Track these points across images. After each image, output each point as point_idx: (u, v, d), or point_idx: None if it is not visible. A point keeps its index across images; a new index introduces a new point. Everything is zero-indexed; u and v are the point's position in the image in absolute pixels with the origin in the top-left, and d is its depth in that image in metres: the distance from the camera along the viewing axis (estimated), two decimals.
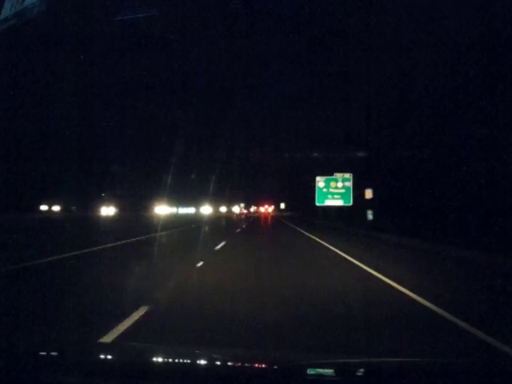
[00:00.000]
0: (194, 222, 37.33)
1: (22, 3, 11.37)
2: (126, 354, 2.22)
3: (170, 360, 2.12)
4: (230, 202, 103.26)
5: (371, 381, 1.81)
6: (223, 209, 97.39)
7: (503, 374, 1.83)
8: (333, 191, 35.05)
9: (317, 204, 35.77)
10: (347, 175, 35.35)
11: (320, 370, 1.90)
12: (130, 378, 1.71)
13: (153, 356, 2.18)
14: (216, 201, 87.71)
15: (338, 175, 35.31)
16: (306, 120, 44.57)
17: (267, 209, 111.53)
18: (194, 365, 2.03)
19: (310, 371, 1.87)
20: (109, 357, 2.14)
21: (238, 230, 25.87)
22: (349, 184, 35.29)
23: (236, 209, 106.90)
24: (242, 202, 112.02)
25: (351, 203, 34.71)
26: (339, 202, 35.18)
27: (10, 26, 11.69)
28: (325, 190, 35.15)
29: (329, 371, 1.88)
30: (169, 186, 47.77)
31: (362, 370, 1.95)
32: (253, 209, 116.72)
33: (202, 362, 2.10)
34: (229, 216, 77.69)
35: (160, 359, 2.13)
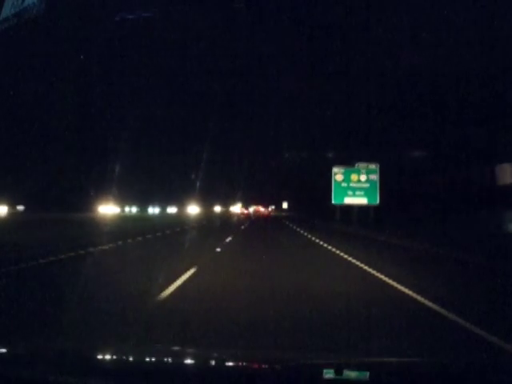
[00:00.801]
0: (156, 228, 23.08)
1: (22, 3, 11.37)
2: (126, 354, 2.22)
3: (170, 360, 2.12)
4: (226, 201, 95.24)
5: (371, 381, 1.81)
6: (217, 208, 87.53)
7: (504, 373, 1.83)
8: (354, 186, 27.57)
9: (333, 202, 28.25)
10: (373, 166, 27.66)
11: (320, 370, 1.90)
12: (130, 378, 1.71)
13: (153, 356, 2.18)
14: (207, 200, 78.17)
15: (361, 165, 27.80)
16: (312, 109, 40.35)
17: (267, 209, 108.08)
18: (194, 365, 2.03)
19: (310, 371, 1.87)
20: (109, 357, 2.14)
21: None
22: (375, 177, 27.55)
23: (236, 208, 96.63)
24: (240, 201, 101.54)
25: (378, 202, 27.32)
26: (362, 201, 27.59)
27: (10, 26, 11.69)
28: (344, 184, 27.70)
29: (329, 371, 1.88)
30: (119, 180, 37.96)
31: (361, 370, 1.95)
32: (252, 209, 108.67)
33: (202, 362, 2.10)
34: (223, 216, 63.78)
35: (160, 359, 2.14)
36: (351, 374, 1.83)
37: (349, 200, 27.86)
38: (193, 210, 62.70)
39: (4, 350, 2.12)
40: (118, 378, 1.72)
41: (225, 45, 28.41)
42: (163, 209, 74.79)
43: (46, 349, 2.23)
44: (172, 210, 75.42)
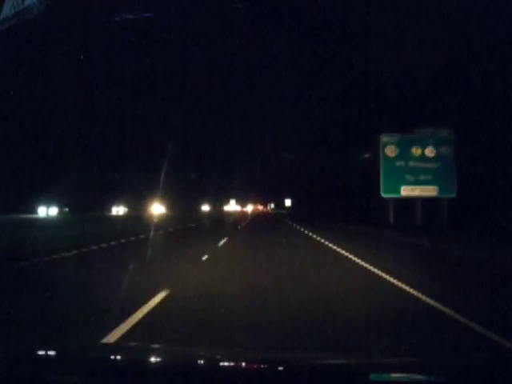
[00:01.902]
0: None
1: (22, 3, 11.38)
2: (126, 354, 2.22)
3: (170, 360, 2.12)
4: (219, 200, 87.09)
5: (371, 381, 1.81)
6: (206, 207, 77.38)
7: (504, 373, 1.83)
8: (416, 166, 17.48)
9: (383, 195, 17.88)
10: (444, 132, 17.57)
11: (320, 370, 1.90)
12: (130, 378, 1.71)
13: (153, 356, 2.18)
14: (194, 198, 68.56)
15: (425, 132, 17.69)
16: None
17: (266, 208, 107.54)
18: (194, 365, 2.03)
19: (310, 371, 1.87)
20: (109, 357, 2.14)
21: None
22: (449, 151, 17.44)
23: (231, 207, 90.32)
24: (236, 199, 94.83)
25: (454, 193, 17.24)
26: (430, 191, 17.42)
27: (10, 26, 11.70)
28: (400, 163, 17.66)
29: (329, 371, 1.88)
30: None
31: (362, 369, 1.95)
32: (250, 208, 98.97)
33: (202, 362, 2.10)
34: (211, 217, 48.08)
35: (160, 359, 2.14)
36: (351, 374, 1.83)
37: (408, 190, 17.50)
38: (157, 210, 48.13)
39: (4, 350, 2.12)
40: (118, 378, 1.72)
41: (225, 44, 28.40)
42: (91, 210, 50.06)
43: (45, 349, 2.23)
44: (118, 210, 57.42)
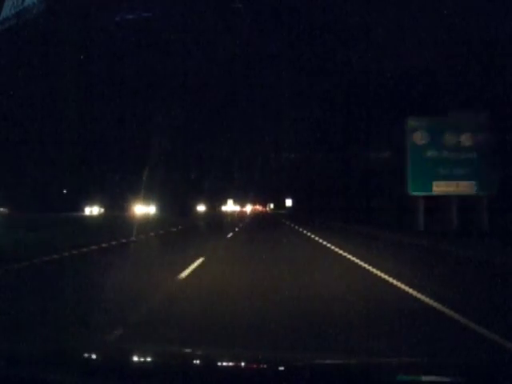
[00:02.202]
0: None
1: (22, 3, 11.38)
2: (126, 354, 2.22)
3: (170, 360, 2.12)
4: (217, 199, 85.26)
5: (371, 381, 1.81)
6: (201, 208, 74.24)
7: (504, 373, 1.83)
8: (449, 156, 14.80)
9: (412, 193, 15.19)
10: (483, 116, 14.93)
11: (320, 370, 1.90)
12: (129, 378, 1.71)
13: (153, 356, 2.18)
14: (181, 197, 63.02)
15: (457, 116, 15.03)
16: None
17: (265, 208, 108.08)
18: (193, 365, 2.03)
19: (310, 371, 1.87)
20: (109, 357, 2.14)
21: None
22: (488, 138, 14.91)
23: (230, 207, 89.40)
24: (234, 199, 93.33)
25: (496, 190, 14.63)
26: (467, 187, 14.72)
27: (10, 26, 11.71)
28: (431, 153, 14.94)
29: (329, 371, 1.88)
30: None
31: (361, 370, 1.95)
32: (249, 208, 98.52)
33: (202, 362, 2.10)
34: (207, 218, 44.20)
35: (160, 359, 2.14)
36: (351, 374, 1.83)
37: (440, 186, 14.78)
38: (139, 210, 44.92)
39: (4, 350, 2.12)
40: (118, 378, 1.72)
41: (225, 44, 28.39)
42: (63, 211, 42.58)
43: (45, 349, 2.23)
44: (92, 210, 51.92)
